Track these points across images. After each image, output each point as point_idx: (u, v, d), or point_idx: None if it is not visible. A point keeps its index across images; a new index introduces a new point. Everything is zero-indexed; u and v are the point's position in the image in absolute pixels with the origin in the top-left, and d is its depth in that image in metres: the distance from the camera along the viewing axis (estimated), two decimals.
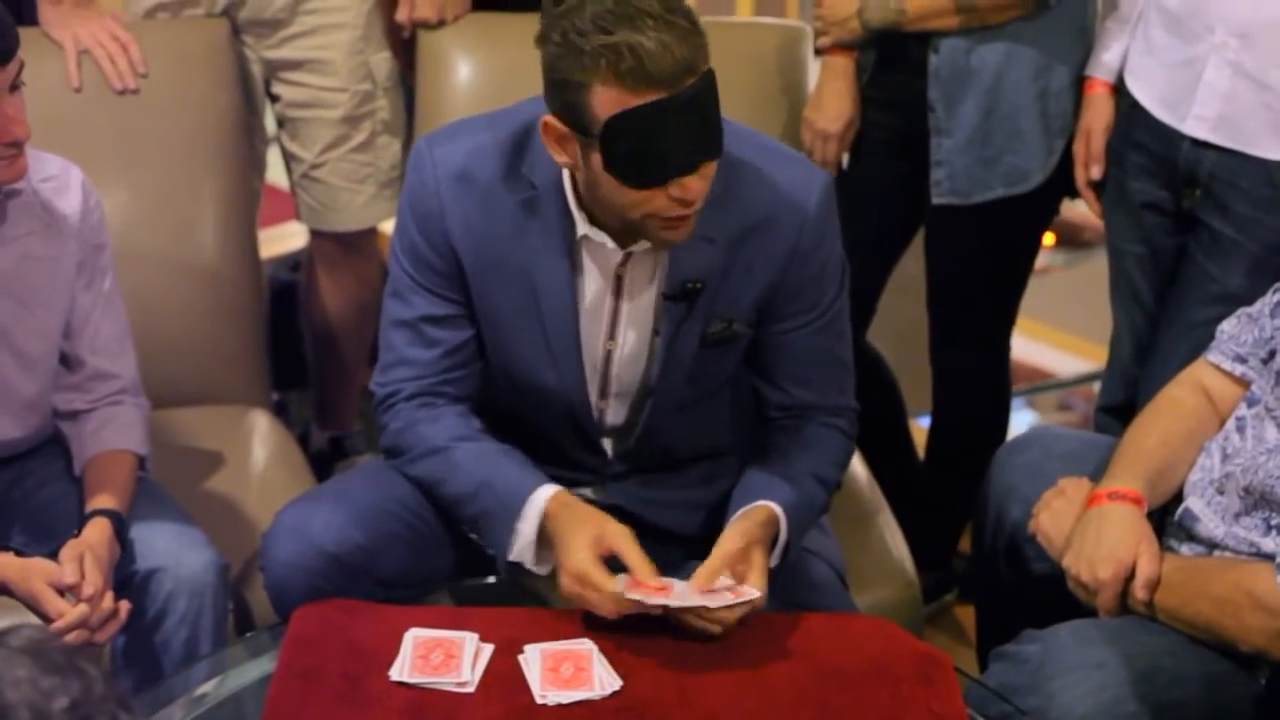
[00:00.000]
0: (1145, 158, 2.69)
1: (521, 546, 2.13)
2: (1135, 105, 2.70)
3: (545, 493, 2.12)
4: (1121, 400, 2.87)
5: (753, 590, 2.05)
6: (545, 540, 2.12)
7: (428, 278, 2.19)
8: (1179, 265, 2.71)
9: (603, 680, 2.01)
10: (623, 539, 2.07)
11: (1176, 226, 2.70)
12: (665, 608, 2.04)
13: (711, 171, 2.01)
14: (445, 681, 2.00)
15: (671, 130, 1.93)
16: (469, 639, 2.06)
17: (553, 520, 2.11)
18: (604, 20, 1.90)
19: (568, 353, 2.20)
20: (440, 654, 2.04)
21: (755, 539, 2.10)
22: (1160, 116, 2.65)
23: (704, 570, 2.05)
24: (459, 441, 2.19)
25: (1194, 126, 2.60)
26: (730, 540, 2.08)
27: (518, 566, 2.16)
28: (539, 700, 1.98)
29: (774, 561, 2.15)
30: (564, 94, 1.96)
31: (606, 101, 1.92)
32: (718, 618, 2.05)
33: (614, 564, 2.08)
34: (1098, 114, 2.77)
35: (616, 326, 2.20)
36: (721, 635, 2.06)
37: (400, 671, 2.01)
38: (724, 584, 2.06)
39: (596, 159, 1.97)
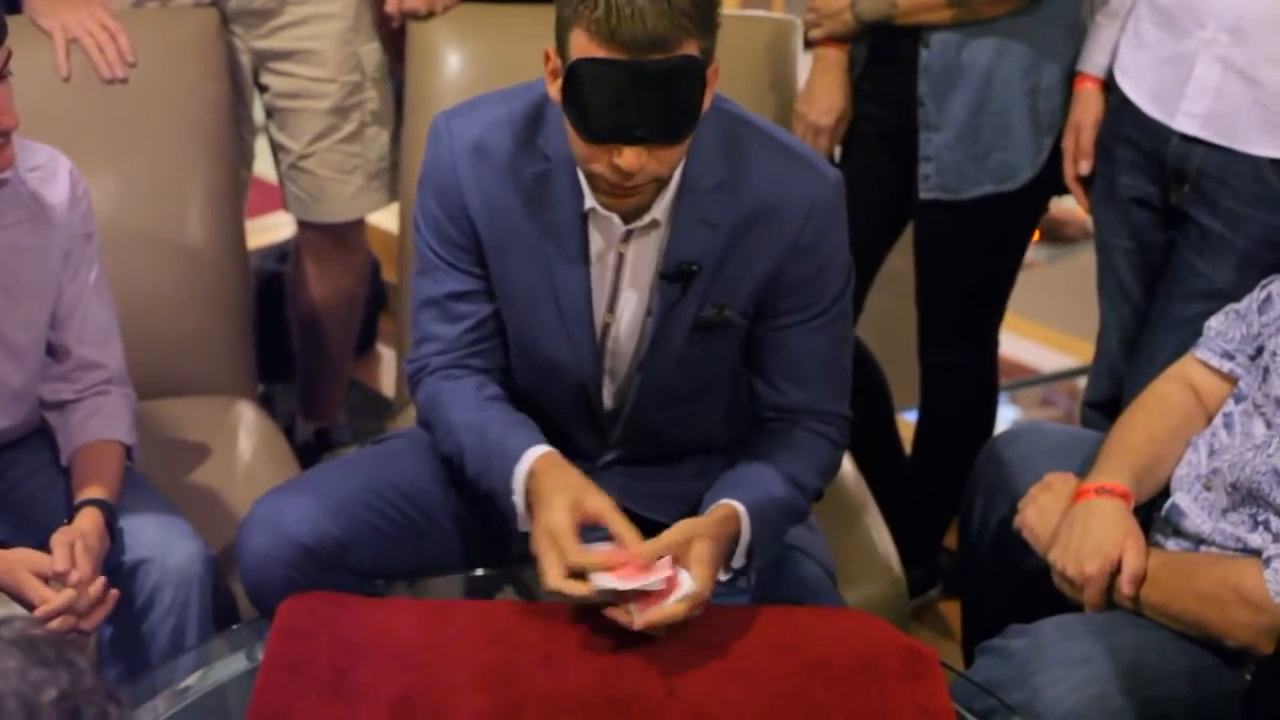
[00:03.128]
0: (1134, 153, 2.70)
1: (521, 518, 2.12)
2: (1125, 101, 2.70)
3: (533, 454, 2.12)
4: (1108, 395, 2.87)
5: (682, 579, 2.02)
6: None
7: (451, 251, 2.20)
8: (1167, 261, 2.72)
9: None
10: (605, 509, 2.06)
11: (1165, 222, 2.71)
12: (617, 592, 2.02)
13: (668, 156, 2.01)
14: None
15: (622, 95, 1.94)
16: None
17: (535, 479, 2.10)
18: None
19: (580, 325, 2.20)
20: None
21: (700, 532, 2.07)
22: (1150, 112, 2.65)
23: (630, 551, 2.02)
24: (470, 413, 2.20)
25: (1184, 122, 2.60)
26: (671, 531, 2.06)
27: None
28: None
29: (738, 562, 2.14)
30: (558, 26, 1.99)
31: (578, 44, 1.95)
32: (652, 617, 2.01)
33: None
34: (1087, 109, 2.77)
35: (616, 300, 2.21)
36: (669, 631, 2.04)
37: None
38: (661, 571, 2.02)
39: (562, 97, 2.00)
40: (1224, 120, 2.56)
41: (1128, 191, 2.73)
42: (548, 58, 2.04)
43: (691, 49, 1.95)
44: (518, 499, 2.12)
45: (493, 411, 2.21)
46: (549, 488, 2.09)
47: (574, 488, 2.08)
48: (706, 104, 2.02)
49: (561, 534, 2.03)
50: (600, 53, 1.93)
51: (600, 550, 2.04)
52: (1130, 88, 2.69)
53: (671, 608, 2.01)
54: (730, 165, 2.13)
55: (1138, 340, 2.78)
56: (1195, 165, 2.61)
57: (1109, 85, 2.76)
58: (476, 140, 2.16)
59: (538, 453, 2.13)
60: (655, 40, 1.91)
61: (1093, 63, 2.77)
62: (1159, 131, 2.64)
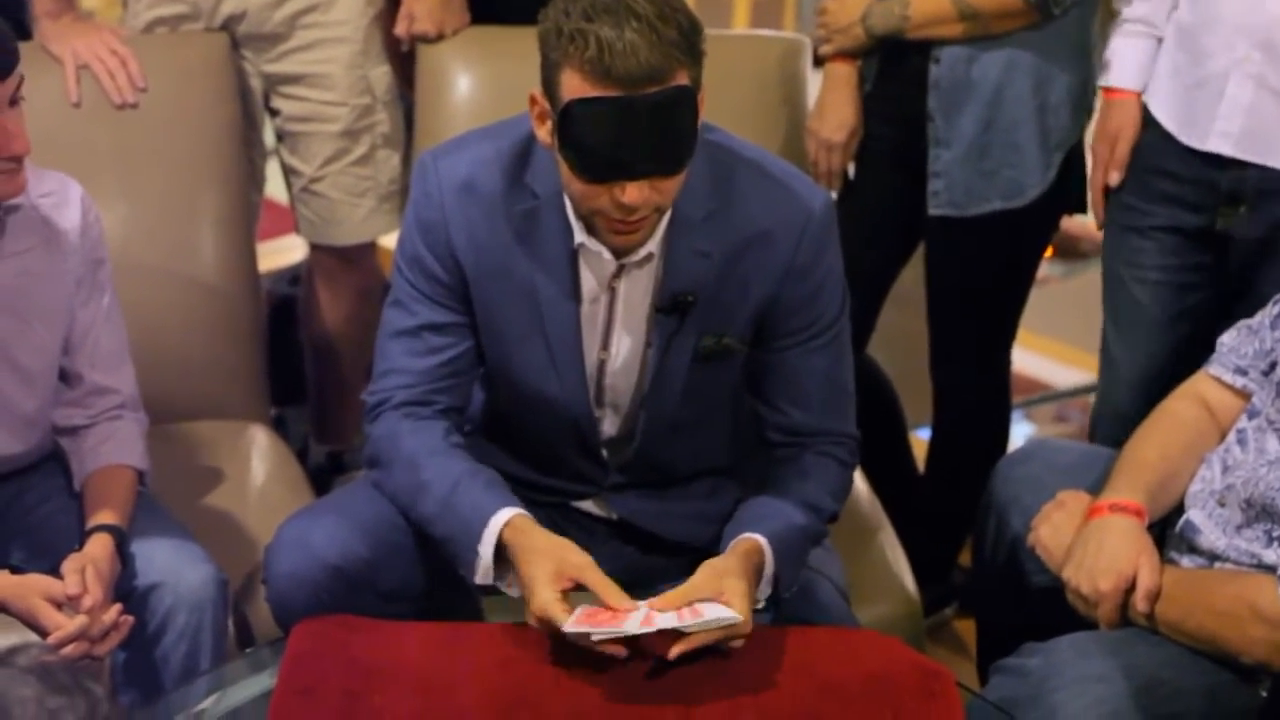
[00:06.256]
0: (1172, 184, 2.65)
1: (483, 569, 2.10)
2: (1163, 134, 2.65)
3: (501, 517, 2.09)
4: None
5: (724, 610, 2.00)
6: (507, 562, 2.10)
7: (431, 288, 2.19)
8: (1198, 291, 2.69)
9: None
10: (585, 569, 2.04)
11: (1199, 249, 2.67)
12: (622, 639, 2.00)
13: (668, 187, 2.01)
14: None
15: (621, 131, 1.94)
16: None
17: (510, 549, 2.08)
18: (593, 8, 1.92)
19: (570, 362, 2.20)
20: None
21: (727, 570, 2.06)
22: (1181, 138, 2.62)
23: (665, 598, 2.02)
24: (431, 456, 2.17)
25: (1217, 143, 2.57)
26: (700, 574, 2.05)
27: (493, 587, 2.14)
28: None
29: (765, 592, 2.14)
30: (545, 70, 1.99)
31: (570, 85, 1.95)
32: (690, 642, 2.01)
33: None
34: (1129, 119, 2.69)
35: (610, 336, 2.20)
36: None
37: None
38: (704, 610, 2.01)
39: (557, 140, 1.99)
40: (1258, 138, 2.54)
41: (1161, 220, 2.67)
42: (534, 101, 2.04)
43: (683, 79, 1.95)
44: (485, 549, 2.08)
45: (462, 462, 2.17)
46: (526, 551, 2.06)
47: (551, 553, 2.05)
48: None
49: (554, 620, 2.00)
50: (594, 92, 1.93)
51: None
52: (1161, 113, 2.65)
53: (711, 631, 2.00)
54: (719, 194, 2.13)
55: (1151, 370, 2.74)
56: (1252, 186, 2.58)
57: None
58: (465, 178, 2.16)
59: (509, 514, 2.10)
60: (649, 74, 1.92)
61: (1124, 77, 2.70)
62: (1203, 159, 2.59)
